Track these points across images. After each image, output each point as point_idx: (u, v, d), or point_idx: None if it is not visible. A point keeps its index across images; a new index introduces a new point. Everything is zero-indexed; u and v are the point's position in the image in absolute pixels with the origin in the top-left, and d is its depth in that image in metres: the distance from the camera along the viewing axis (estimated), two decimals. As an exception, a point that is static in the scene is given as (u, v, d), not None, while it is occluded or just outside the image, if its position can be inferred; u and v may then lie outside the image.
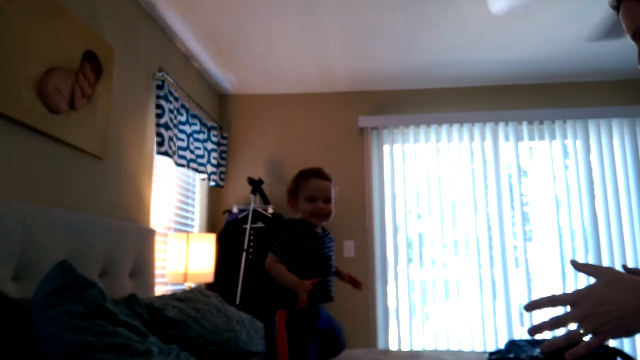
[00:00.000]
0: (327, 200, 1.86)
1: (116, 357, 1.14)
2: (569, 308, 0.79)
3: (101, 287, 1.31)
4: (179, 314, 1.75)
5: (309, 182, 1.86)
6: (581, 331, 0.78)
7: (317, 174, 1.89)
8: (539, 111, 3.74)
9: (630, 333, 0.77)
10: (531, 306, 0.83)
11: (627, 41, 1.04)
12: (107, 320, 1.22)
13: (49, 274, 1.24)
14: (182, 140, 2.96)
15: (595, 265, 0.83)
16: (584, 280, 3.48)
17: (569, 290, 0.82)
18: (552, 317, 0.80)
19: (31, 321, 1.18)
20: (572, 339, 0.78)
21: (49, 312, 1.16)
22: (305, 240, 1.79)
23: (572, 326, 0.79)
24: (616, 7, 0.98)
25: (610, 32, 2.85)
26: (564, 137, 3.76)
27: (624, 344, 3.44)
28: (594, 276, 0.82)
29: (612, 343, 3.39)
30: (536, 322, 0.82)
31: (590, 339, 0.77)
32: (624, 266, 0.96)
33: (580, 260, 3.56)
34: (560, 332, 0.79)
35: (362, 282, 2.01)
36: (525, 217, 3.69)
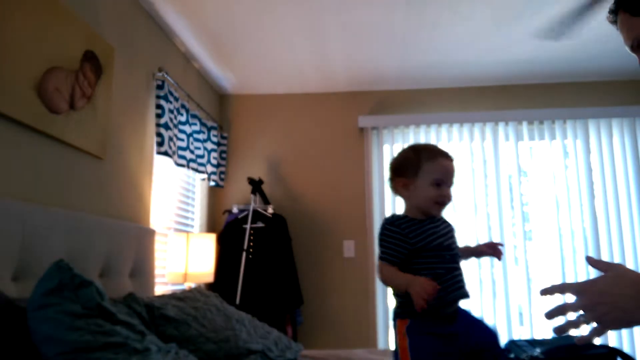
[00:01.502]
0: (451, 185, 1.54)
1: (114, 356, 1.14)
2: (574, 297, 0.86)
3: (98, 286, 1.31)
4: (179, 313, 1.76)
5: (436, 162, 1.51)
6: (583, 319, 0.85)
7: (443, 153, 1.55)
8: (539, 111, 3.74)
9: (629, 324, 0.83)
10: (544, 292, 0.90)
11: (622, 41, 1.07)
12: (104, 319, 1.23)
13: (46, 273, 1.24)
14: (182, 140, 2.97)
15: (608, 262, 0.90)
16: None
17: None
18: (558, 305, 0.87)
19: (28, 321, 1.18)
20: (575, 326, 0.85)
21: (46, 312, 1.17)
22: (410, 235, 1.49)
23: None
24: (614, 20, 1.03)
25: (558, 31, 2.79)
26: (564, 137, 3.76)
27: (624, 344, 3.44)
28: (604, 271, 0.88)
29: (612, 343, 3.39)
30: (537, 318, 0.88)
31: (594, 328, 0.84)
32: None
33: (581, 259, 3.56)
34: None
35: (499, 250, 1.63)
36: (525, 217, 3.68)
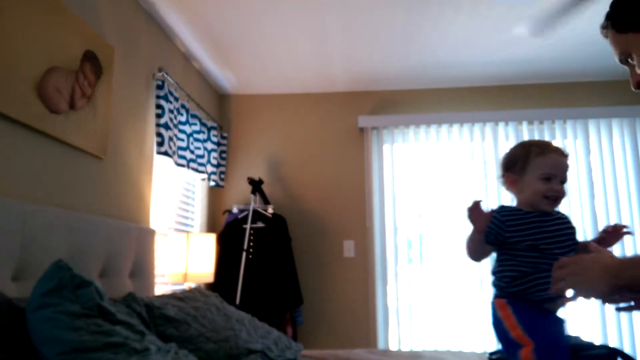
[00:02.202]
0: (564, 181, 1.51)
1: (114, 356, 1.14)
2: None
3: (98, 286, 1.31)
4: (179, 313, 1.76)
5: (546, 157, 1.49)
6: (566, 284, 1.10)
7: (554, 148, 1.53)
8: (539, 111, 3.74)
9: (591, 292, 1.07)
10: (554, 267, 1.14)
11: None
12: (104, 319, 1.23)
13: (46, 273, 1.24)
14: (182, 140, 2.97)
15: (602, 248, 1.29)
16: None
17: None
18: (556, 275, 1.14)
19: (28, 321, 1.18)
20: (560, 291, 1.13)
21: (45, 312, 1.17)
22: (507, 228, 1.48)
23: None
24: (606, 35, 1.16)
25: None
26: (564, 137, 3.76)
27: (625, 344, 3.44)
28: (596, 253, 1.24)
29: (613, 343, 3.38)
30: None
31: (574, 293, 1.12)
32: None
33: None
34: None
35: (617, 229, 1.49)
36: (525, 217, 3.68)
